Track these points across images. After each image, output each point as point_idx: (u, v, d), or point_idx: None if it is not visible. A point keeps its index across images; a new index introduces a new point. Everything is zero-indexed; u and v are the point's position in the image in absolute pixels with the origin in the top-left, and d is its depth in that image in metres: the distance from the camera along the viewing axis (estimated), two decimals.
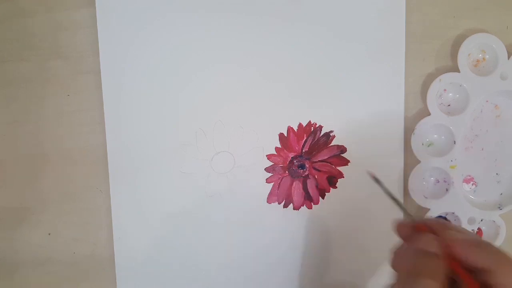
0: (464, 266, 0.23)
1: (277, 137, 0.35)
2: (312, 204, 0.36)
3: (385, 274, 0.36)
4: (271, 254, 0.36)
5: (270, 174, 0.35)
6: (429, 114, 0.36)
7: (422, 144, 0.37)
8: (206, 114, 0.34)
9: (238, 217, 0.35)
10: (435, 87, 0.35)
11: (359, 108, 0.36)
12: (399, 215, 0.36)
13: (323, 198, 0.36)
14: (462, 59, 0.35)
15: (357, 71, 0.35)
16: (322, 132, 0.35)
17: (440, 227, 0.25)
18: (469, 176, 0.38)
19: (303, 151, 0.35)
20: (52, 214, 0.35)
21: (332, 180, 0.36)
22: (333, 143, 0.36)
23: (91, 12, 0.33)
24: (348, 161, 0.36)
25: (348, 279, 0.37)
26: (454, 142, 0.36)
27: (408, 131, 0.36)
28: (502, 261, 0.23)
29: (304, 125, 0.35)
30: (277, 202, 0.36)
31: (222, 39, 0.34)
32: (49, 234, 0.35)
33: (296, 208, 0.36)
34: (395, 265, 0.25)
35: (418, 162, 0.36)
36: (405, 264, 0.24)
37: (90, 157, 0.34)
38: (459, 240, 0.24)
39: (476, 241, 0.24)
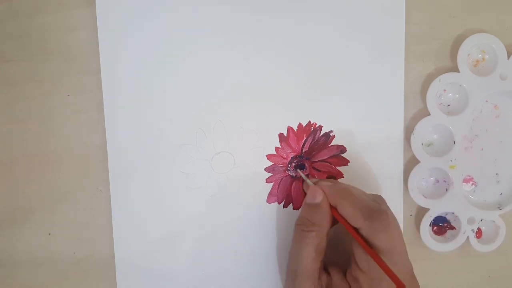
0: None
1: (277, 137, 0.35)
2: None
3: None
4: (270, 254, 0.36)
5: (270, 174, 0.35)
6: (429, 114, 0.36)
7: (422, 144, 0.37)
8: (206, 114, 0.34)
9: (238, 217, 0.35)
10: (435, 87, 0.35)
11: (359, 108, 0.36)
12: (399, 213, 0.36)
13: None
14: (462, 59, 0.35)
15: (356, 71, 0.35)
16: (322, 132, 0.35)
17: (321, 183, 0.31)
18: (469, 176, 0.38)
19: (303, 151, 0.35)
20: (52, 214, 0.35)
21: None
22: (332, 143, 0.36)
23: (91, 12, 0.33)
24: (348, 161, 0.36)
25: None
26: (454, 142, 0.36)
27: (408, 131, 0.36)
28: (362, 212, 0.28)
29: (304, 125, 0.35)
30: (277, 202, 0.36)
31: (222, 40, 0.34)
32: (49, 234, 0.35)
33: (296, 208, 0.36)
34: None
35: (418, 162, 0.36)
36: (297, 218, 0.30)
37: (90, 157, 0.34)
38: (329, 191, 0.29)
39: (342, 193, 0.29)
